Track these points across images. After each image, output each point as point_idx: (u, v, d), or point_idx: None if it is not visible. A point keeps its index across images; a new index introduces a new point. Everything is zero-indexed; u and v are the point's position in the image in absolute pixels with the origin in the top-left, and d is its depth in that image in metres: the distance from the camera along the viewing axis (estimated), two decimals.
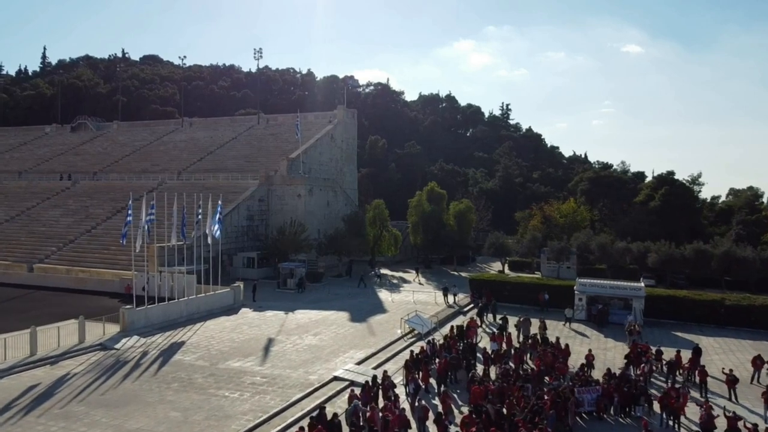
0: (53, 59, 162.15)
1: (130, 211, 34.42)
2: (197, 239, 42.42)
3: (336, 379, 24.82)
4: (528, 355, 27.52)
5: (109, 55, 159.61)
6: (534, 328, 31.37)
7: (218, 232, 40.10)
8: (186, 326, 34.31)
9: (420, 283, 52.76)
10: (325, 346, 30.18)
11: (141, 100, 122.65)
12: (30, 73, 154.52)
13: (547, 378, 23.69)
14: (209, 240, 40.06)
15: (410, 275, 57.64)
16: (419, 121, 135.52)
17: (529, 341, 28.98)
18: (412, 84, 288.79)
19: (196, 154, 77.59)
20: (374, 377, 22.23)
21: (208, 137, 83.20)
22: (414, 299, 43.94)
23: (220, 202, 40.61)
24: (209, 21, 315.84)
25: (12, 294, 44.57)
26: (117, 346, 29.43)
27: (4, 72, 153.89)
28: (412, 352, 26.15)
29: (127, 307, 32.75)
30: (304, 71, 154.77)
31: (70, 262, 52.55)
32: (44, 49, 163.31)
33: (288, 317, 37.38)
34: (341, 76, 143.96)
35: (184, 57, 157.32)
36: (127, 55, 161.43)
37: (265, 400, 22.13)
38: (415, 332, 32.47)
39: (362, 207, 68.87)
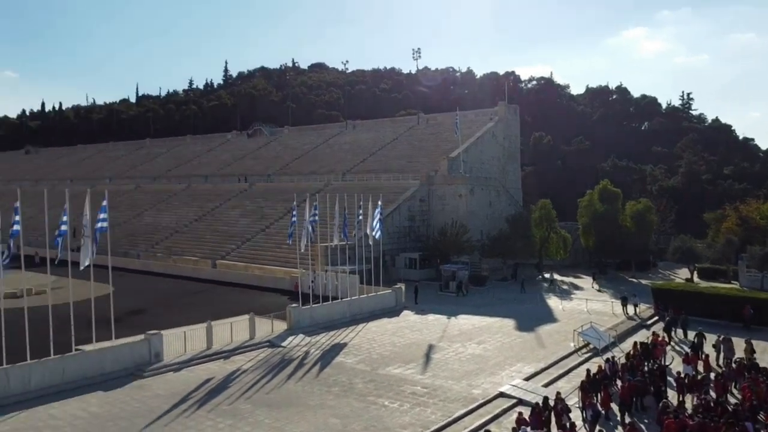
0: (234, 72, 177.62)
1: (294, 212, 35.26)
2: (359, 239, 42.64)
3: (502, 395, 22.75)
4: (733, 384, 23.22)
5: (281, 65, 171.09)
6: (738, 350, 26.57)
7: (378, 233, 39.83)
8: (348, 327, 34.31)
9: (599, 290, 48.44)
10: (489, 357, 28.22)
11: (309, 105, 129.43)
12: (215, 86, 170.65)
13: (762, 416, 19.55)
14: (370, 241, 39.94)
15: (582, 281, 53.36)
16: (587, 115, 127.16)
17: (734, 366, 24.51)
18: (577, 77, 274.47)
19: (359, 155, 79.38)
20: (545, 399, 19.82)
21: (371, 139, 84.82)
22: (587, 308, 40.18)
23: (380, 203, 40.32)
24: (372, 28, 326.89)
25: (198, 288, 48.37)
26: (283, 344, 30.04)
27: (194, 86, 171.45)
28: (588, 371, 23.21)
29: (294, 305, 33.49)
30: (464, 69, 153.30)
31: (248, 259, 55.98)
32: (225, 63, 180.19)
33: (450, 322, 35.93)
34: (501, 72, 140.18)
35: (347, 62, 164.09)
36: (296, 64, 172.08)
37: (425, 413, 20.76)
38: (591, 347, 29.23)
39: (527, 207, 65.44)
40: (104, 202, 25.39)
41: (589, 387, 21.10)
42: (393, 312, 38.50)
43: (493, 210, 61.45)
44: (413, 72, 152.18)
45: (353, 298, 37.69)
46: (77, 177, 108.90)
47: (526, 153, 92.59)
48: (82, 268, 24.69)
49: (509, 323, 35.63)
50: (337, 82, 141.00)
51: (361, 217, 40.35)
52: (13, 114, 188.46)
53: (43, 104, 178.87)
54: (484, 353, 28.85)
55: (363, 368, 26.17)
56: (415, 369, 26.12)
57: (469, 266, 50.17)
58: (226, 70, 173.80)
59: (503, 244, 53.90)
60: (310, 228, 35.35)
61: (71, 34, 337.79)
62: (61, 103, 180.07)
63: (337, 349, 29.53)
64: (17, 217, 23.24)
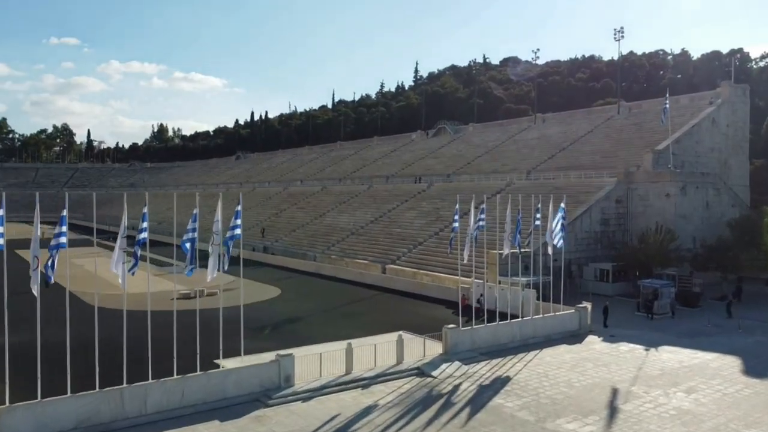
0: (424, 72, 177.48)
1: (456, 216, 30.51)
2: (538, 247, 36.42)
3: None
4: None
5: (470, 62, 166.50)
6: None
7: (560, 240, 33.36)
8: (516, 355, 28.56)
9: None
10: (704, 416, 20.70)
11: (496, 100, 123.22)
12: (406, 88, 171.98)
13: None
14: (549, 249, 33.61)
15: None
16: None
17: None
18: None
19: (546, 151, 71.88)
20: None
21: (561, 133, 76.62)
22: None
23: (563, 205, 33.78)
24: (565, 12, 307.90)
25: (362, 295, 45.94)
26: (434, 373, 25.44)
27: (385, 89, 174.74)
28: None
29: (451, 327, 28.64)
30: (676, 51, 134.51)
31: (417, 264, 52.43)
32: (416, 64, 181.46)
33: (649, 356, 28.34)
34: (725, 51, 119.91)
35: (537, 50, 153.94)
36: (487, 60, 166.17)
37: None
38: None
39: (757, 209, 52.82)
40: (238, 207, 22.96)
41: None
42: (574, 337, 31.76)
43: (710, 212, 50.48)
44: (615, 58, 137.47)
45: (525, 318, 31.77)
46: (273, 179, 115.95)
47: (756, 143, 76.57)
48: (209, 279, 22.59)
49: (733, 363, 27.05)
50: (528, 74, 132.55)
51: (538, 222, 34.19)
52: (230, 123, 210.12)
53: (252, 113, 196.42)
54: (696, 409, 21.35)
55: (525, 417, 20.52)
56: (595, 426, 19.81)
57: (676, 281, 40.98)
58: (416, 71, 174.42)
59: (723, 255, 43.49)
60: (474, 234, 30.27)
61: (279, 48, 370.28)
62: (266, 112, 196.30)
63: (497, 385, 24.13)
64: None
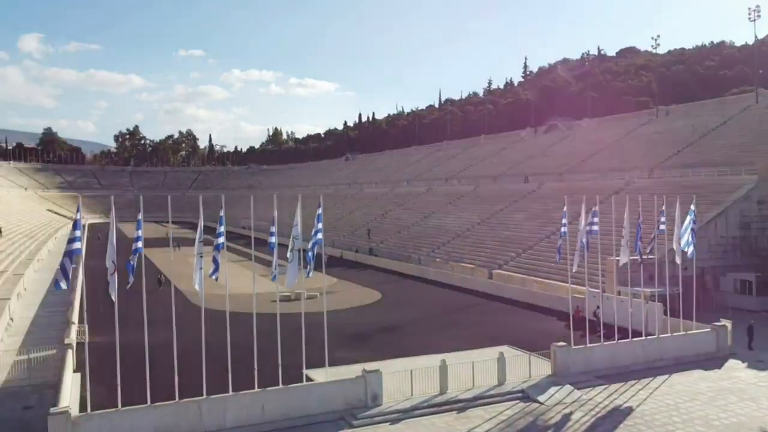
0: (533, 68, 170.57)
1: (564, 220, 27.18)
2: (663, 254, 31.98)
3: None
4: None
5: (583, 54, 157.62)
6: None
7: (691, 247, 28.92)
8: (640, 380, 24.67)
9: None
10: None
11: (613, 93, 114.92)
12: (514, 84, 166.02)
13: None
14: (677, 258, 29.25)
15: None
16: None
17: None
18: None
19: (671, 146, 65.09)
20: None
21: (688, 126, 69.16)
22: None
23: (692, 206, 29.29)
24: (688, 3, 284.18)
25: (467, 302, 43.33)
26: (541, 398, 22.39)
27: (492, 87, 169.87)
28: None
29: (561, 345, 25.33)
30: None
31: (526, 270, 48.86)
32: (525, 59, 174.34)
33: None
34: None
35: (658, 37, 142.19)
36: (602, 52, 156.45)
37: None
38: None
39: None
40: (319, 210, 21.41)
41: None
42: (711, 361, 27.21)
43: None
44: (749, 43, 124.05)
45: (650, 337, 27.69)
46: (380, 180, 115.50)
47: None
48: (288, 285, 21.19)
49: None
50: (649, 65, 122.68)
51: (663, 226, 29.87)
52: (340, 125, 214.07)
53: (359, 115, 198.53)
54: None
55: None
56: None
57: None
58: (525, 66, 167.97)
59: None
60: (585, 240, 26.79)
61: (388, 51, 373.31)
62: (373, 113, 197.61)
63: (616, 417, 20.69)
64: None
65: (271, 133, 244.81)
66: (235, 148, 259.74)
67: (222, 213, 20.46)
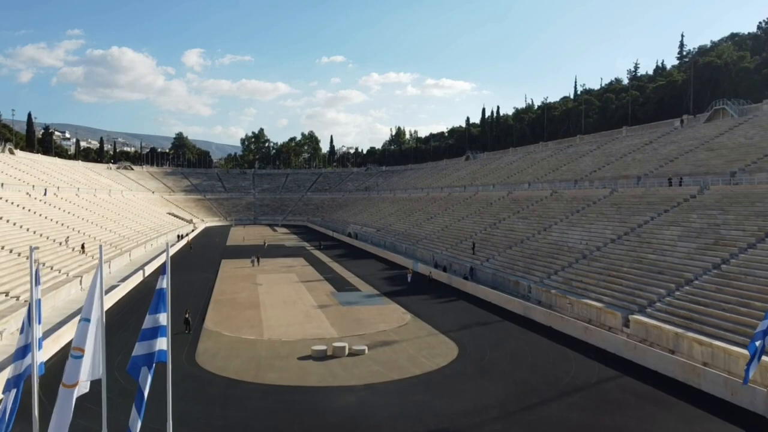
0: (692, 46, 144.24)
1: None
2: None
3: None
4: None
5: (759, 23, 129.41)
6: None
7: None
8: None
9: None
10: None
11: None
12: (667, 68, 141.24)
13: None
14: None
15: None
16: None
17: None
18: None
19: None
20: None
21: None
22: None
23: None
24: None
25: (585, 375, 28.10)
26: None
27: (639, 72, 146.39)
28: None
29: None
30: None
31: (682, 319, 32.57)
32: (681, 37, 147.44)
33: None
34: None
35: None
36: None
37: None
38: None
39: None
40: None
41: None
42: None
43: None
44: None
45: None
46: (498, 182, 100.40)
47: None
48: None
49: None
50: None
51: None
52: (463, 122, 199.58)
53: (483, 110, 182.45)
54: None
55: None
56: None
57: None
58: (681, 45, 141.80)
59: None
60: None
61: (523, 47, 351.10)
62: (498, 107, 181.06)
63: None
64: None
65: (393, 133, 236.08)
66: (356, 149, 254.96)
67: None
